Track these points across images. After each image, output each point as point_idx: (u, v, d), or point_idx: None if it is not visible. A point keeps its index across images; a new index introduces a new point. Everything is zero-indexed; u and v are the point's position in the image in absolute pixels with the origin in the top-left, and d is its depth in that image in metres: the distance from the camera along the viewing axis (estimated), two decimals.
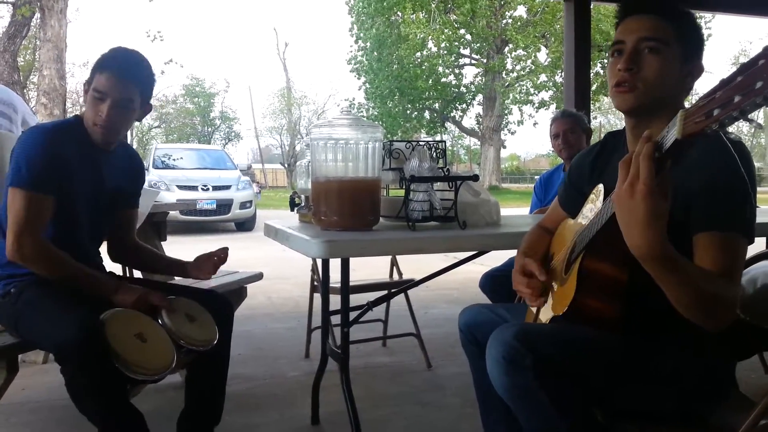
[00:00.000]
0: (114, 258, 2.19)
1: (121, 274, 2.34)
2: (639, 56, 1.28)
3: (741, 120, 0.81)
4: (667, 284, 1.09)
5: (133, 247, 2.17)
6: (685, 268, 1.09)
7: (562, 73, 13.36)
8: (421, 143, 2.02)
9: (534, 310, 1.52)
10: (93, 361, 1.58)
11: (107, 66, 1.85)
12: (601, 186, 1.35)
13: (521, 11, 23.58)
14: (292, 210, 2.28)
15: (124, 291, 1.83)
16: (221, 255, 2.05)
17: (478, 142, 28.37)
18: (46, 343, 1.84)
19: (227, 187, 11.04)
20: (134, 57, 1.90)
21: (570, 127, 3.08)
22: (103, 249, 2.13)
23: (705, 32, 1.43)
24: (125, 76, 1.85)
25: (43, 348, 1.94)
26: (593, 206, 1.36)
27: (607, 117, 42.09)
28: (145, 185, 2.30)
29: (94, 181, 1.94)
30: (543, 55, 23.16)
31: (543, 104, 23.57)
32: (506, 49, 24.02)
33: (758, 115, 0.86)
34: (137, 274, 2.72)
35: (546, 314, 1.40)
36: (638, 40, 1.28)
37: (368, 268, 3.85)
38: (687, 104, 1.37)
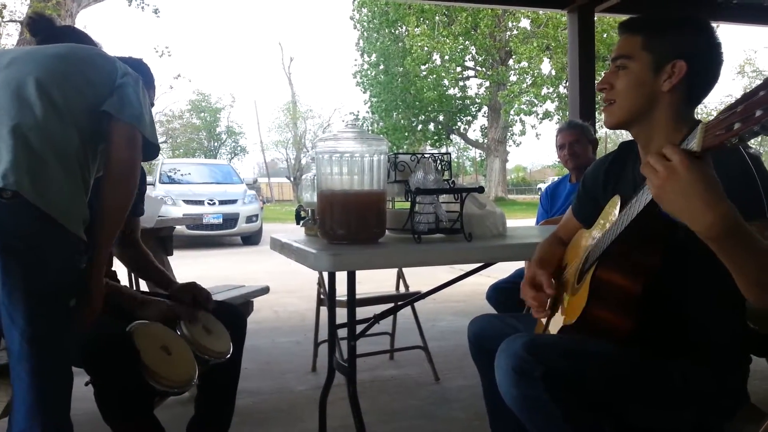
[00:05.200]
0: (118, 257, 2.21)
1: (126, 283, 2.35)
2: (614, 75, 1.37)
3: (762, 134, 0.81)
4: (742, 254, 1.02)
5: (135, 250, 2.18)
6: (753, 233, 1.02)
7: (567, 84, 13.31)
8: (426, 155, 2.02)
9: (543, 320, 1.52)
10: (126, 373, 1.60)
11: None
12: (617, 197, 1.35)
13: (525, 23, 23.66)
14: (298, 223, 2.28)
15: (149, 305, 1.86)
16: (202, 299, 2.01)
17: (484, 154, 28.35)
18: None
19: (233, 202, 11.07)
20: (143, 67, 1.89)
21: (576, 138, 3.08)
22: None
23: None
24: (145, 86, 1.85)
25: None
26: (609, 216, 1.36)
27: None
28: (151, 197, 2.32)
29: None
30: (547, 67, 23.22)
31: (547, 115, 23.58)
32: (510, 60, 24.08)
33: None
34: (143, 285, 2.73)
35: (556, 324, 1.39)
36: (612, 61, 1.38)
37: (375, 282, 3.85)
38: (696, 116, 1.38)
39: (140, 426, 1.67)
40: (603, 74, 1.41)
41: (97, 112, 1.47)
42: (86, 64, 1.52)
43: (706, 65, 1.32)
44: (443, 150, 22.90)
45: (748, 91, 0.84)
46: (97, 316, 1.54)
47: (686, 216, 0.98)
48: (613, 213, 1.34)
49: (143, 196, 2.20)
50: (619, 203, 1.32)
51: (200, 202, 10.81)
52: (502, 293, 2.80)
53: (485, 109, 25.79)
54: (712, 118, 0.90)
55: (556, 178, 3.50)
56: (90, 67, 1.52)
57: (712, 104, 25.07)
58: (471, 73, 25.58)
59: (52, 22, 1.71)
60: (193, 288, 2.02)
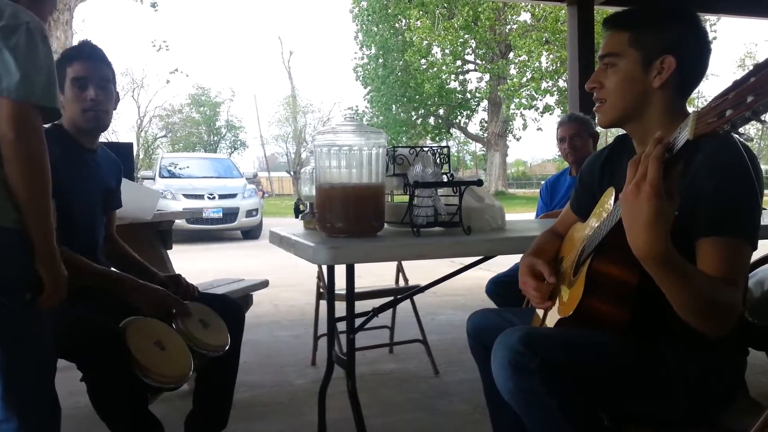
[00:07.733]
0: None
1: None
2: (603, 74, 1.36)
3: (753, 120, 0.82)
4: (668, 286, 1.09)
5: (112, 245, 2.17)
6: (686, 272, 1.09)
7: (566, 78, 13.26)
8: (424, 149, 2.02)
9: (541, 313, 1.52)
10: (116, 370, 1.59)
11: (77, 56, 1.90)
12: (612, 189, 1.35)
13: (525, 17, 23.61)
14: (297, 217, 2.28)
15: (142, 292, 1.85)
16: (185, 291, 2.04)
17: (484, 148, 28.32)
18: (67, 352, 1.83)
19: (233, 196, 11.07)
20: (94, 44, 1.96)
21: (576, 132, 3.07)
22: None
23: (710, 35, 1.41)
24: (98, 58, 1.92)
25: (64, 356, 1.95)
26: (604, 209, 1.35)
27: None
28: (149, 188, 2.31)
29: (85, 183, 1.95)
30: (545, 61, 23.14)
31: (547, 109, 23.54)
32: (510, 54, 24.03)
33: None
34: None
35: (553, 317, 1.39)
36: (600, 59, 1.36)
37: (375, 276, 3.85)
38: (691, 107, 1.37)
39: (134, 422, 1.67)
40: (592, 75, 1.39)
41: None
42: None
43: (695, 57, 1.31)
44: (443, 144, 22.89)
45: (738, 78, 0.84)
46: (55, 303, 1.44)
47: (626, 230, 1.06)
48: (608, 205, 1.33)
49: (119, 186, 2.18)
50: (614, 195, 1.32)
51: (200, 196, 10.80)
52: (501, 287, 2.80)
53: (485, 102, 25.75)
54: (704, 105, 0.90)
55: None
56: None
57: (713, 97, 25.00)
58: (471, 66, 25.53)
59: None
60: (177, 281, 2.03)
